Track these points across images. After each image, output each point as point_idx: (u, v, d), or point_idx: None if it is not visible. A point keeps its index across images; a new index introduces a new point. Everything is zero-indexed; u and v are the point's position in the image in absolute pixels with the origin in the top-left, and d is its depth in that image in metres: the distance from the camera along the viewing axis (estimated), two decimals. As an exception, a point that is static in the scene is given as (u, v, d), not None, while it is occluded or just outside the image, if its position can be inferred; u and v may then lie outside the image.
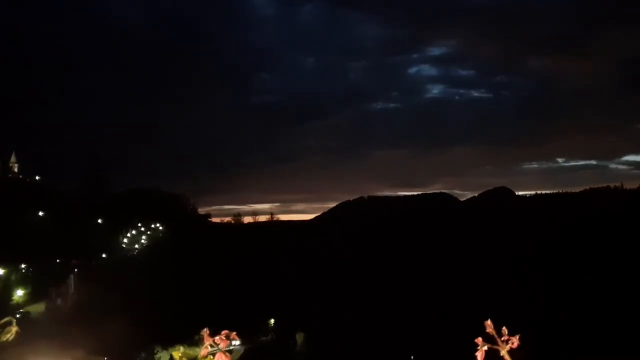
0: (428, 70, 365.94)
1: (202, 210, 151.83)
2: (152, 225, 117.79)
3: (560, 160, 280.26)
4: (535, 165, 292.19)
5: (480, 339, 2.00)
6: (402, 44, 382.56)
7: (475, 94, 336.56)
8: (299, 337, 73.34)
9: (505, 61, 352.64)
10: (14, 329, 1.95)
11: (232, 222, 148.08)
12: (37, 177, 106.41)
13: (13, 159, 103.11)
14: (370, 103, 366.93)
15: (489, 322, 2.01)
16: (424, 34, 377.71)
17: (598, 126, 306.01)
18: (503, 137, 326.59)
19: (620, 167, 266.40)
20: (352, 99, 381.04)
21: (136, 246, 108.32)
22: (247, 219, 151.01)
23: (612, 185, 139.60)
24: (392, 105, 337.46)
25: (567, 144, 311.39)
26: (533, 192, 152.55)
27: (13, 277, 67.67)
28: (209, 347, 1.98)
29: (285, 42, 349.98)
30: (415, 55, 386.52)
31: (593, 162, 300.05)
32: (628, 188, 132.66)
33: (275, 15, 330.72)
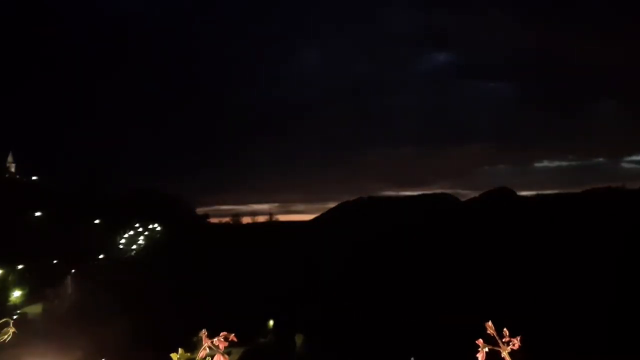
0: (444, 60, 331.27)
1: (200, 211, 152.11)
2: (150, 226, 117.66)
3: (572, 157, 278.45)
4: (547, 164, 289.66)
5: (481, 340, 1.98)
6: (417, 31, 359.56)
7: (495, 86, 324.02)
8: (298, 339, 73.34)
9: (530, 51, 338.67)
10: (11, 330, 1.92)
11: (231, 222, 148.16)
12: (34, 177, 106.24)
13: (10, 159, 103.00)
14: (376, 98, 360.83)
15: (489, 323, 2.00)
16: (442, 18, 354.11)
17: (615, 121, 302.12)
18: (519, 133, 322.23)
19: (629, 165, 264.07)
20: (357, 93, 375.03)
21: (134, 247, 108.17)
22: (246, 220, 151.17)
23: (613, 185, 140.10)
24: (399, 100, 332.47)
25: (583, 140, 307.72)
26: (534, 193, 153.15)
27: (10, 278, 67.53)
28: (207, 348, 1.96)
29: (287, 31, 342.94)
30: (430, 44, 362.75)
31: (607, 159, 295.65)
32: (629, 188, 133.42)
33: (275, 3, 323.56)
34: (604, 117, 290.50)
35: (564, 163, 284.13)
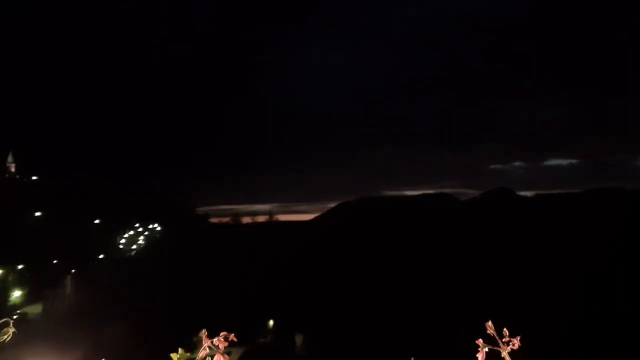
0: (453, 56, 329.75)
1: (200, 211, 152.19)
2: (150, 226, 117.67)
3: (584, 154, 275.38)
4: (561, 161, 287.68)
5: (481, 340, 1.98)
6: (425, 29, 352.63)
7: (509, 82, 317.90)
8: (298, 339, 73.38)
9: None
10: (11, 330, 1.92)
11: (231, 222, 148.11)
12: (34, 177, 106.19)
13: (10, 159, 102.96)
14: (385, 97, 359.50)
15: (489, 323, 2.00)
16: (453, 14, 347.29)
17: (631, 118, 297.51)
18: (531, 131, 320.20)
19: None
20: (366, 93, 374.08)
21: (134, 247, 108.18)
22: (246, 220, 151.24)
23: (613, 186, 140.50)
24: (405, 98, 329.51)
25: (597, 137, 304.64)
26: (534, 193, 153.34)
27: (10, 278, 67.53)
28: (207, 348, 1.96)
29: (290, 30, 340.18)
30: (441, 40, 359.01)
31: (623, 157, 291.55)
32: (629, 188, 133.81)
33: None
34: (620, 113, 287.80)
35: (574, 161, 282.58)
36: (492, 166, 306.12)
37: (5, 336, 1.90)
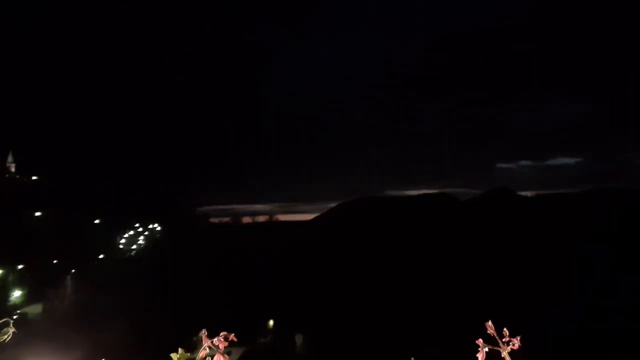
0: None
1: (200, 211, 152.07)
2: (150, 226, 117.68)
3: (589, 154, 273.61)
4: (567, 160, 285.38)
5: (481, 340, 1.98)
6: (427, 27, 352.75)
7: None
8: (298, 339, 73.35)
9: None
10: (11, 330, 1.92)
11: (230, 222, 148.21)
12: (34, 177, 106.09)
13: (10, 158, 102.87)
14: (389, 96, 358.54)
15: (489, 323, 2.00)
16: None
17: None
18: (535, 129, 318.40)
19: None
20: (368, 92, 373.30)
21: (134, 247, 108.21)
22: (246, 220, 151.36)
23: (613, 186, 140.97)
24: (408, 96, 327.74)
25: (601, 136, 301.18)
26: (534, 193, 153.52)
27: (10, 278, 67.54)
28: (207, 348, 1.96)
29: (293, 30, 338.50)
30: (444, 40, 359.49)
31: (626, 156, 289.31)
32: (629, 188, 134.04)
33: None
34: (620, 113, 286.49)
35: (579, 159, 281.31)
36: (498, 165, 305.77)
37: (5, 336, 1.90)
